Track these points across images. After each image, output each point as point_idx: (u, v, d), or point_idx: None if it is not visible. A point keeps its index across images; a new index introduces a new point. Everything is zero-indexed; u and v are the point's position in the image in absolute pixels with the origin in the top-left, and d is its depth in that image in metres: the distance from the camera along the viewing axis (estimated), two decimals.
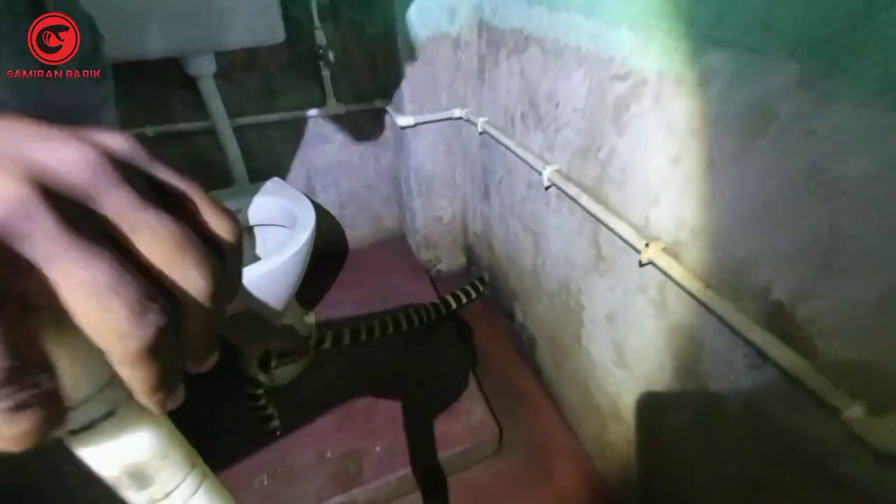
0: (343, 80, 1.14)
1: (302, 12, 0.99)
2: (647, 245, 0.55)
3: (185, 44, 0.85)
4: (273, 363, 0.66)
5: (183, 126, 1.05)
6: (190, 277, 0.12)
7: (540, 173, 0.77)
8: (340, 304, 1.23)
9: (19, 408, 0.10)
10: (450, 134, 1.13)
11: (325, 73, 1.09)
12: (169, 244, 0.12)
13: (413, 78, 1.02)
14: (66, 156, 0.11)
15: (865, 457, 0.36)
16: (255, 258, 0.96)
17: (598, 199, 0.65)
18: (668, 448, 0.64)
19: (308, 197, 0.98)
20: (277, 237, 1.01)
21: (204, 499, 0.16)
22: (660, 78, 0.49)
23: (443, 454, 0.85)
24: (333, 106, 1.15)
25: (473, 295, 1.24)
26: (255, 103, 1.10)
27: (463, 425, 0.90)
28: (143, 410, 0.14)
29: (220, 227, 0.14)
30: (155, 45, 0.80)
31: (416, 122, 1.07)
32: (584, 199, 0.67)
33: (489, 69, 0.93)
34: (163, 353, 0.12)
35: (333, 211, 1.38)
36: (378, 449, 0.86)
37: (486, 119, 0.99)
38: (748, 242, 0.43)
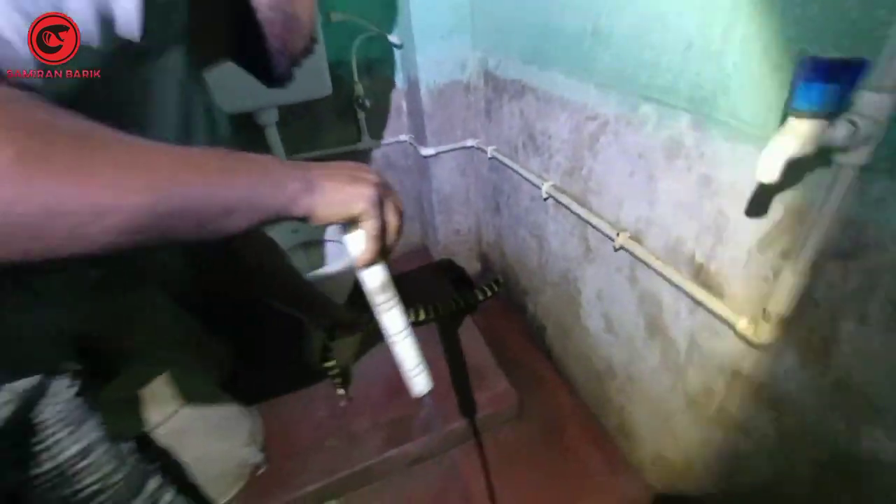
0: (375, 120, 1.39)
1: (344, 71, 1.25)
2: (618, 234, 0.77)
3: (260, 101, 1.10)
4: (337, 333, 0.90)
5: None
6: (401, 212, 0.38)
7: (539, 188, 1.00)
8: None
9: (380, 238, 0.35)
10: (464, 160, 1.38)
11: (361, 115, 1.35)
12: (399, 202, 0.37)
13: (433, 116, 1.27)
14: (374, 174, 0.36)
15: (753, 352, 0.57)
16: (319, 266, 1.19)
17: (584, 205, 0.87)
18: (645, 386, 0.84)
19: None
20: (334, 249, 1.25)
21: (400, 308, 0.41)
22: (616, 119, 0.73)
23: (474, 415, 1.06)
24: (367, 142, 1.40)
25: (489, 293, 1.45)
26: (305, 142, 1.35)
27: (489, 395, 1.11)
28: (383, 261, 0.40)
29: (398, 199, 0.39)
30: (240, 104, 1.06)
31: (437, 151, 1.32)
32: (574, 206, 0.89)
33: (495, 110, 1.17)
34: (400, 234, 0.37)
35: None
36: (423, 414, 1.06)
37: (494, 147, 1.23)
38: (678, 227, 0.65)
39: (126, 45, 0.26)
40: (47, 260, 0.21)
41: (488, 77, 1.17)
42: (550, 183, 0.98)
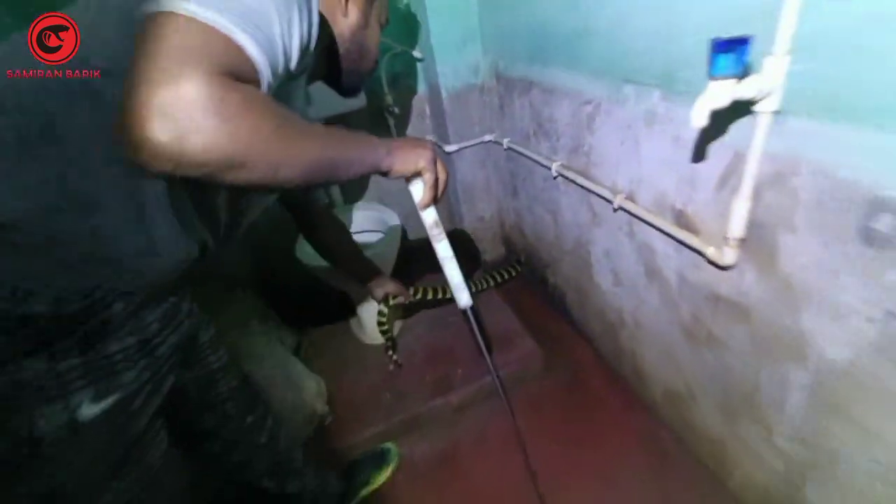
0: (403, 125, 1.59)
1: (376, 84, 1.45)
2: (615, 196, 0.92)
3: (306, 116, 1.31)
4: (390, 301, 1.07)
5: None
6: (447, 171, 0.55)
7: (549, 168, 1.16)
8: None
9: (435, 186, 0.54)
10: (483, 154, 1.55)
11: (391, 121, 1.54)
12: (445, 165, 0.55)
13: (453, 117, 1.45)
14: (431, 144, 0.54)
15: (723, 275, 0.72)
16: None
17: (588, 177, 1.03)
18: (650, 328, 0.98)
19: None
20: (374, 238, 1.44)
21: (447, 241, 0.57)
22: (607, 101, 0.89)
23: (505, 371, 1.21)
24: None
25: (513, 273, 1.61)
26: None
27: (518, 353, 1.26)
28: (435, 205, 0.57)
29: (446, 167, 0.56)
30: None
31: (458, 147, 1.49)
32: (580, 180, 1.05)
33: (507, 105, 1.34)
34: (447, 185, 0.55)
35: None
36: (460, 371, 1.23)
37: (508, 139, 1.39)
38: (661, 182, 0.80)
39: (288, 72, 0.45)
40: (278, 183, 0.39)
41: (500, 77, 1.34)
42: (559, 162, 1.13)
